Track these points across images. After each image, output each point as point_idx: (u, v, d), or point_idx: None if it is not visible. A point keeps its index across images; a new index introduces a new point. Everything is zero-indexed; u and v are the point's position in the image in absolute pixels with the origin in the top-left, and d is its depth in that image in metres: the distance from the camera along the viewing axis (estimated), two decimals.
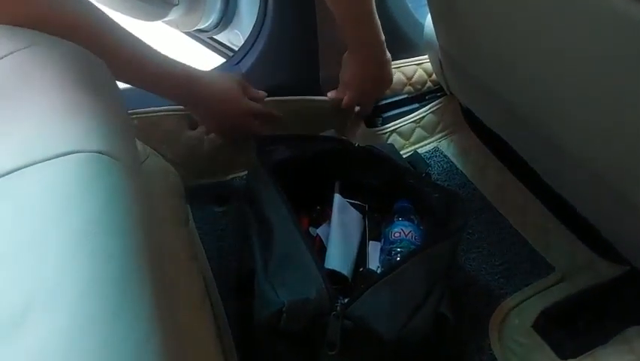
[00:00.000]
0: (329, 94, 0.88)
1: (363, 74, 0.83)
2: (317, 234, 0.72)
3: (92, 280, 0.29)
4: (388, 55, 0.83)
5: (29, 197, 0.33)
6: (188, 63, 0.71)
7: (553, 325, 0.65)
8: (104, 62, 0.51)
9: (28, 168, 0.35)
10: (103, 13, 0.58)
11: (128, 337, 0.28)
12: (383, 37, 0.80)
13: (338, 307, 0.52)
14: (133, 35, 0.61)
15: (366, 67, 0.82)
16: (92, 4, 0.57)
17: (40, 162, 0.35)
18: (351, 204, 0.75)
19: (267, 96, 0.83)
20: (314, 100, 0.88)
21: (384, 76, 0.86)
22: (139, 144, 0.69)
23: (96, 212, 0.34)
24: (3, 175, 0.34)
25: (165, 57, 0.66)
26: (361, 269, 0.69)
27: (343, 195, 0.75)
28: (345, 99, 0.86)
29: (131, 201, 0.38)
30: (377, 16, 0.76)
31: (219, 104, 0.75)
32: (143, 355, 0.28)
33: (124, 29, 0.60)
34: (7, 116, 0.39)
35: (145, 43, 0.63)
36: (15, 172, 0.34)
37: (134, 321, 0.29)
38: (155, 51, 0.64)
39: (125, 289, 0.30)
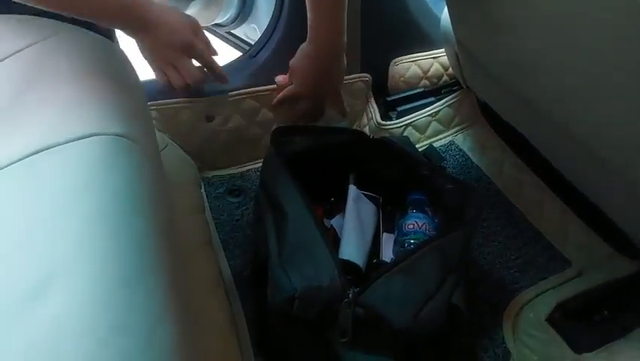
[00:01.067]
0: (277, 78, 0.82)
1: (316, 66, 0.77)
2: (331, 225, 0.72)
3: (110, 254, 0.30)
4: (344, 60, 0.79)
5: (51, 176, 0.35)
6: None
7: (569, 319, 0.64)
8: (123, 50, 0.52)
9: (51, 149, 0.36)
10: None
11: (144, 308, 0.28)
12: (345, 39, 0.76)
13: (350, 295, 0.52)
14: None
15: (320, 60, 0.77)
16: None
17: (62, 144, 0.37)
18: (366, 196, 0.75)
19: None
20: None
21: (336, 73, 0.80)
22: (157, 134, 0.70)
23: (115, 190, 0.35)
24: (27, 157, 0.36)
25: None
26: (374, 261, 0.69)
27: (358, 186, 0.75)
28: (291, 88, 0.81)
29: (148, 181, 0.39)
30: (345, 14, 0.73)
31: (169, 34, 0.71)
32: (158, 325, 0.28)
33: None
34: (32, 102, 0.41)
35: None
36: (38, 153, 0.36)
37: (150, 293, 0.30)
38: None
39: (142, 262, 0.31)
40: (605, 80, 0.50)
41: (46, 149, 0.36)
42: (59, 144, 0.37)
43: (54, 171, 0.35)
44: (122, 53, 0.51)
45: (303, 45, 0.77)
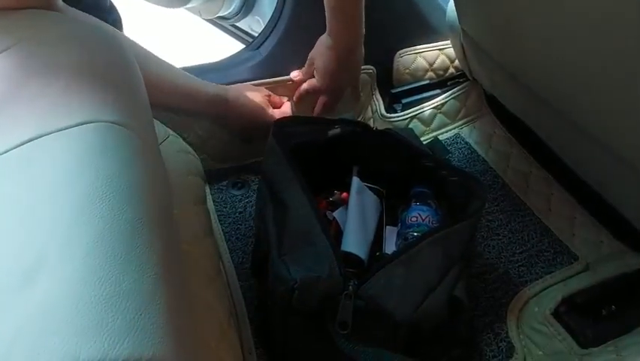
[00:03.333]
0: (293, 74, 0.84)
1: (337, 59, 0.78)
2: (334, 217, 0.72)
3: (100, 237, 0.30)
4: (362, 50, 0.81)
5: (44, 163, 0.34)
6: (209, 50, 0.73)
7: (575, 313, 0.63)
8: (126, 41, 0.52)
9: (45, 137, 0.36)
10: (137, 43, 0.66)
11: (133, 290, 0.28)
12: (364, 29, 0.78)
13: (350, 287, 0.51)
14: (166, 62, 0.70)
15: (340, 52, 0.77)
16: (135, 43, 0.65)
17: (55, 131, 0.36)
18: (369, 188, 0.75)
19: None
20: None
21: (355, 64, 0.82)
22: (159, 125, 0.70)
23: (108, 176, 0.35)
24: (20, 145, 0.35)
25: (195, 78, 0.74)
26: (377, 253, 0.69)
27: (361, 179, 0.74)
28: (312, 81, 0.82)
29: (144, 169, 0.38)
30: (363, 5, 0.75)
31: (249, 119, 0.80)
32: (148, 307, 0.28)
33: (157, 57, 0.69)
34: (27, 92, 0.41)
35: (175, 68, 0.72)
36: (32, 141, 0.36)
37: (140, 276, 0.29)
38: (186, 74, 0.73)
39: (133, 246, 0.31)
40: (616, 69, 0.48)
41: (40, 137, 0.36)
42: (53, 132, 0.36)
43: (46, 157, 0.35)
44: (122, 41, 0.50)
45: (322, 37, 0.78)
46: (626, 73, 0.47)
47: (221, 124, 0.81)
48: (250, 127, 0.81)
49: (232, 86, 0.79)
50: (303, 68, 0.83)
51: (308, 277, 0.51)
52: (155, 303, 0.29)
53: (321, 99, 0.84)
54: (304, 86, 0.83)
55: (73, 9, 0.57)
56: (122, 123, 0.39)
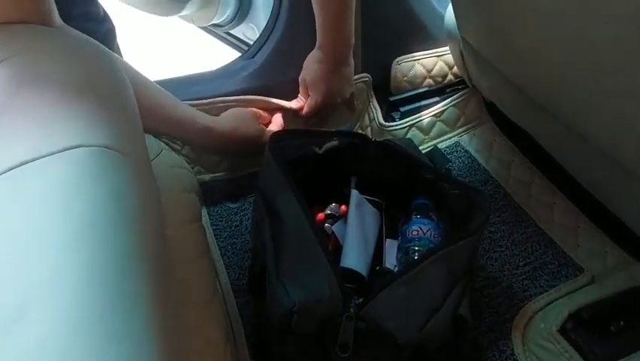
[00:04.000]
0: (291, 105, 0.83)
1: (330, 72, 0.78)
2: (332, 231, 0.70)
3: (89, 277, 0.28)
4: (352, 60, 0.81)
5: (32, 191, 0.33)
6: (203, 58, 0.71)
7: (582, 329, 0.61)
8: (115, 57, 0.50)
9: (33, 162, 0.34)
10: (132, 67, 0.64)
11: (124, 333, 0.26)
12: (353, 40, 0.78)
13: (351, 308, 0.50)
14: (162, 91, 0.68)
15: (332, 65, 0.78)
16: (127, 65, 0.63)
17: (45, 156, 0.35)
18: (368, 200, 0.73)
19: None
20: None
21: (350, 76, 0.82)
22: (152, 140, 0.68)
23: (98, 205, 0.33)
24: (8, 170, 0.34)
25: (190, 108, 0.73)
26: (377, 268, 0.67)
27: (360, 191, 0.73)
28: (312, 103, 0.81)
29: (135, 195, 0.37)
30: (353, 16, 0.75)
31: (240, 146, 0.79)
32: (140, 351, 0.26)
33: (155, 84, 0.68)
34: (16, 114, 0.39)
35: (171, 96, 0.70)
36: (19, 167, 0.34)
37: (131, 317, 0.27)
38: (181, 103, 0.71)
39: (124, 285, 0.29)
40: (615, 78, 0.47)
41: (29, 162, 0.34)
42: (42, 157, 0.35)
43: (35, 185, 0.33)
44: (113, 59, 0.49)
45: (312, 53, 0.78)
46: (626, 83, 0.46)
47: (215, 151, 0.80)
48: (244, 153, 0.81)
49: (222, 115, 0.78)
50: (299, 95, 0.83)
51: (307, 300, 0.49)
52: (148, 344, 0.27)
53: (322, 114, 0.84)
54: (307, 109, 0.82)
55: (68, 26, 0.56)
56: (113, 147, 0.37)
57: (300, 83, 0.82)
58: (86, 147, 0.36)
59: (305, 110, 0.82)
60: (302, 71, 0.81)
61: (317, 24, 0.74)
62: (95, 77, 0.44)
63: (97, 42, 0.52)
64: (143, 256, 0.33)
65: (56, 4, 0.50)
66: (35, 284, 0.28)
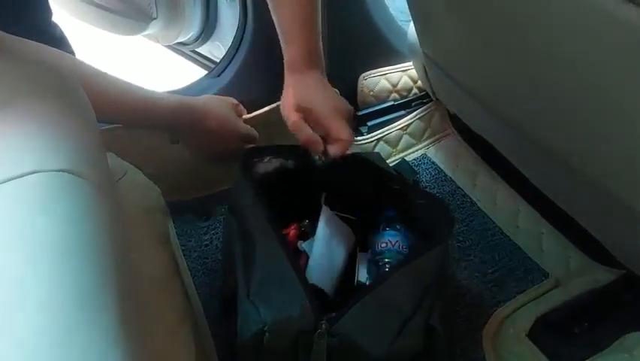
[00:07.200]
0: (332, 150, 0.65)
1: (319, 93, 0.67)
2: (303, 249, 0.70)
3: (42, 310, 0.27)
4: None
5: None
6: (169, 76, 0.71)
7: (550, 332, 0.63)
8: (75, 79, 0.49)
9: None
10: (85, 63, 0.63)
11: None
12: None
13: (323, 325, 0.49)
14: (118, 78, 0.65)
15: (319, 84, 0.68)
16: (74, 57, 0.62)
17: (3, 182, 0.33)
18: (341, 217, 0.73)
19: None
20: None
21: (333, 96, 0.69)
22: (117, 160, 0.67)
23: (56, 233, 0.32)
24: None
25: (152, 91, 0.69)
26: (355, 284, 0.67)
27: (332, 206, 0.73)
28: (341, 129, 0.64)
29: (97, 221, 0.36)
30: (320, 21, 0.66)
31: (217, 133, 0.74)
32: None
33: (108, 74, 0.65)
34: None
35: (129, 83, 0.66)
36: None
37: (90, 347, 0.27)
38: (141, 88, 0.67)
39: (81, 315, 0.28)
40: (573, 90, 0.49)
41: None
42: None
43: None
44: (68, 79, 0.48)
45: (286, 76, 0.68)
46: (587, 93, 0.48)
47: (186, 141, 0.77)
48: (219, 141, 0.76)
49: (199, 97, 0.75)
50: (300, 132, 0.64)
51: (278, 318, 0.49)
52: None
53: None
54: (342, 147, 0.64)
55: (17, 37, 0.55)
56: (72, 170, 0.36)
57: (286, 119, 0.65)
58: (42, 172, 0.35)
59: (341, 147, 0.64)
60: (283, 98, 0.66)
61: (282, 34, 0.66)
62: (51, 101, 0.43)
63: (52, 67, 0.51)
64: (104, 281, 0.32)
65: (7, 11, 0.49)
66: None
